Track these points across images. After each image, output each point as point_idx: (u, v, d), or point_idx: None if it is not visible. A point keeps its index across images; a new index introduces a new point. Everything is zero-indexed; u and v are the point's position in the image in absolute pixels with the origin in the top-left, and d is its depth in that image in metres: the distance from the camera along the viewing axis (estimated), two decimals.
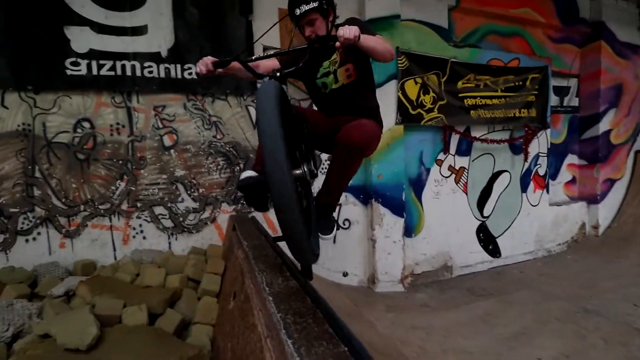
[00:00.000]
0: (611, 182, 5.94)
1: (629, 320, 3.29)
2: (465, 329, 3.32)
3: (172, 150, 3.49)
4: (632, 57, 5.91)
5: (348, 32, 1.47)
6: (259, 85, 1.53)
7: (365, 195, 4.24)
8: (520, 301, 3.88)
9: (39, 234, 3.11)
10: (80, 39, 3.11)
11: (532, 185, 5.45)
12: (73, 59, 3.10)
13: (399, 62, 4.17)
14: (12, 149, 3.02)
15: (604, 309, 3.53)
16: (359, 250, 4.27)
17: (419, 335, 3.16)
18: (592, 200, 5.87)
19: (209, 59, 1.65)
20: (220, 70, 1.67)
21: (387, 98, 4.14)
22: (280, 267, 1.77)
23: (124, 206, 3.34)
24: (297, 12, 1.61)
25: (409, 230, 4.50)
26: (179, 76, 3.41)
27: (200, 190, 3.58)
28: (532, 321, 3.41)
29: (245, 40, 3.57)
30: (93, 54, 3.14)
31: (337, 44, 1.49)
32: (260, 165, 1.64)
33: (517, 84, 5.03)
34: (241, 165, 3.72)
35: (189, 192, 3.55)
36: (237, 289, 2.02)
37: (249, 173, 1.67)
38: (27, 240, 3.08)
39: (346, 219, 4.20)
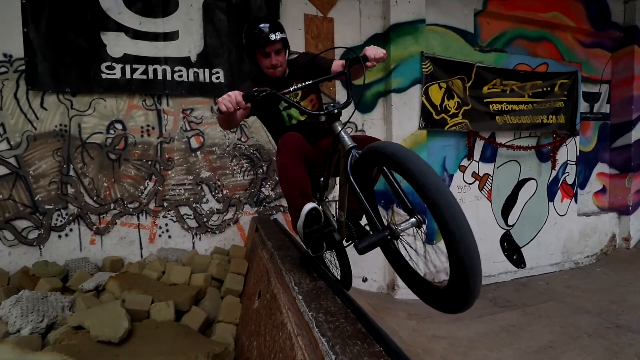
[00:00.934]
0: None
1: None
2: (489, 340, 3.22)
3: (198, 152, 3.57)
4: None
5: (376, 51, 1.59)
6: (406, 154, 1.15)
7: (387, 200, 4.20)
8: (546, 314, 3.73)
9: (71, 230, 3.24)
10: (116, 44, 3.25)
11: (559, 194, 5.26)
12: (108, 64, 3.23)
13: (424, 66, 4.14)
14: (49, 148, 3.18)
15: (638, 324, 3.35)
16: (379, 256, 4.15)
17: (442, 345, 3.09)
18: (624, 211, 5.61)
19: (237, 95, 1.41)
20: (249, 104, 1.45)
21: (410, 103, 4.12)
22: (307, 268, 1.78)
23: (152, 205, 3.44)
24: (273, 37, 1.64)
25: (430, 238, 4.41)
26: (207, 80, 3.50)
27: (224, 192, 3.65)
28: (560, 335, 3.28)
29: None
30: (127, 59, 3.27)
31: (369, 63, 1.58)
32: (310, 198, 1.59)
33: (545, 89, 4.90)
34: (264, 168, 3.77)
35: (213, 193, 3.62)
36: (262, 288, 2.04)
37: (313, 205, 1.54)
38: (59, 236, 3.21)
39: (366, 224, 4.17)
